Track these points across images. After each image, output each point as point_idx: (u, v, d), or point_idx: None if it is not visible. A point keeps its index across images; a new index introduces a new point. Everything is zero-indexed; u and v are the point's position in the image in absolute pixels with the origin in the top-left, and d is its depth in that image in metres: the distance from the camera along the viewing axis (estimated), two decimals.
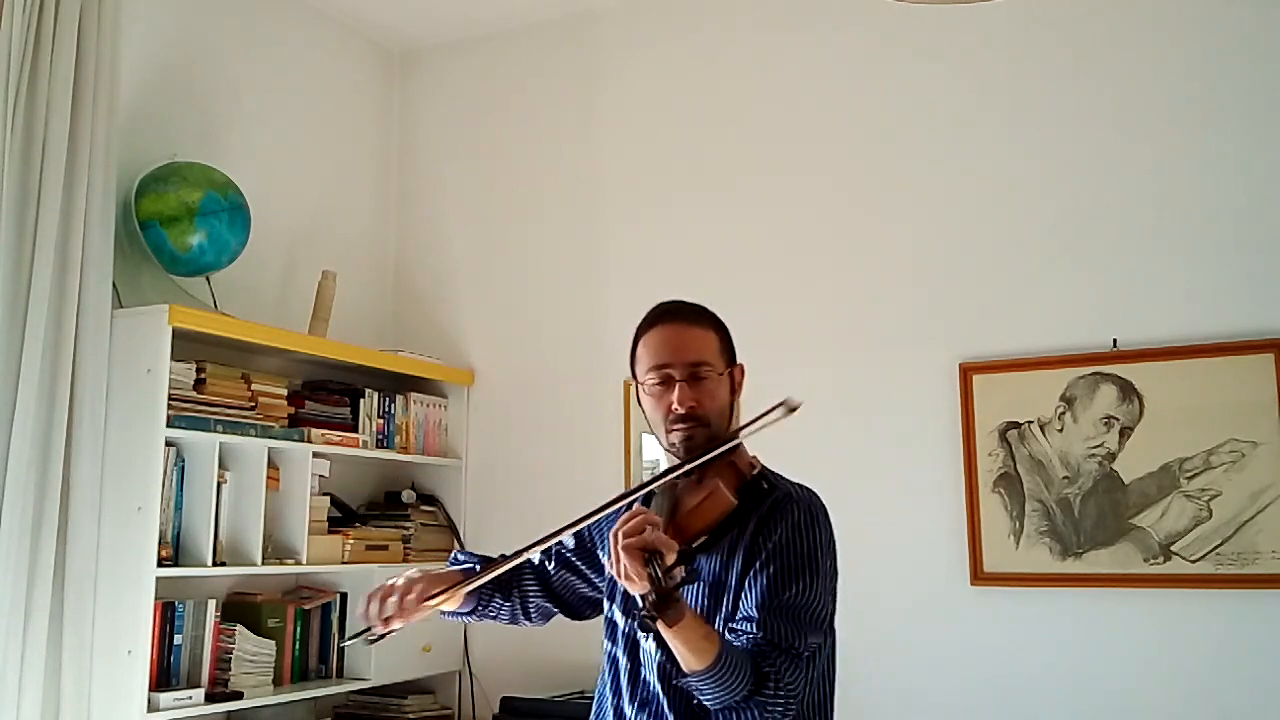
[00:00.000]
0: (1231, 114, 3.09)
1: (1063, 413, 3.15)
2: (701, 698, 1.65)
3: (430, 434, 3.97)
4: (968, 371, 3.27)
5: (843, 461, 3.33)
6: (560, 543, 2.03)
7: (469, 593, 1.94)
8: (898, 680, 3.23)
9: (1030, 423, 3.18)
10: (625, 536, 1.56)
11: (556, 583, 2.06)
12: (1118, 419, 3.09)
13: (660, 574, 1.51)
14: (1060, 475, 3.13)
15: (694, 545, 1.75)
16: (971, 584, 3.19)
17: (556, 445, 3.84)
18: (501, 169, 4.14)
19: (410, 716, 3.60)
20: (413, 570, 1.92)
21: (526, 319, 4.00)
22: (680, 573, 1.55)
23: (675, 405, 1.81)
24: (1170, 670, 2.95)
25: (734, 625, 1.72)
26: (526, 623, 2.08)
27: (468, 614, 2.01)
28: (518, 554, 1.86)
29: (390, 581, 1.87)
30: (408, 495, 3.90)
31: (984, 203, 3.35)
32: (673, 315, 1.90)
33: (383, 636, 1.82)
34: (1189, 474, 2.99)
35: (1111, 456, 3.08)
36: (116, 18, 3.07)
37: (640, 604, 1.52)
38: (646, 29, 3.94)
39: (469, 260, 4.15)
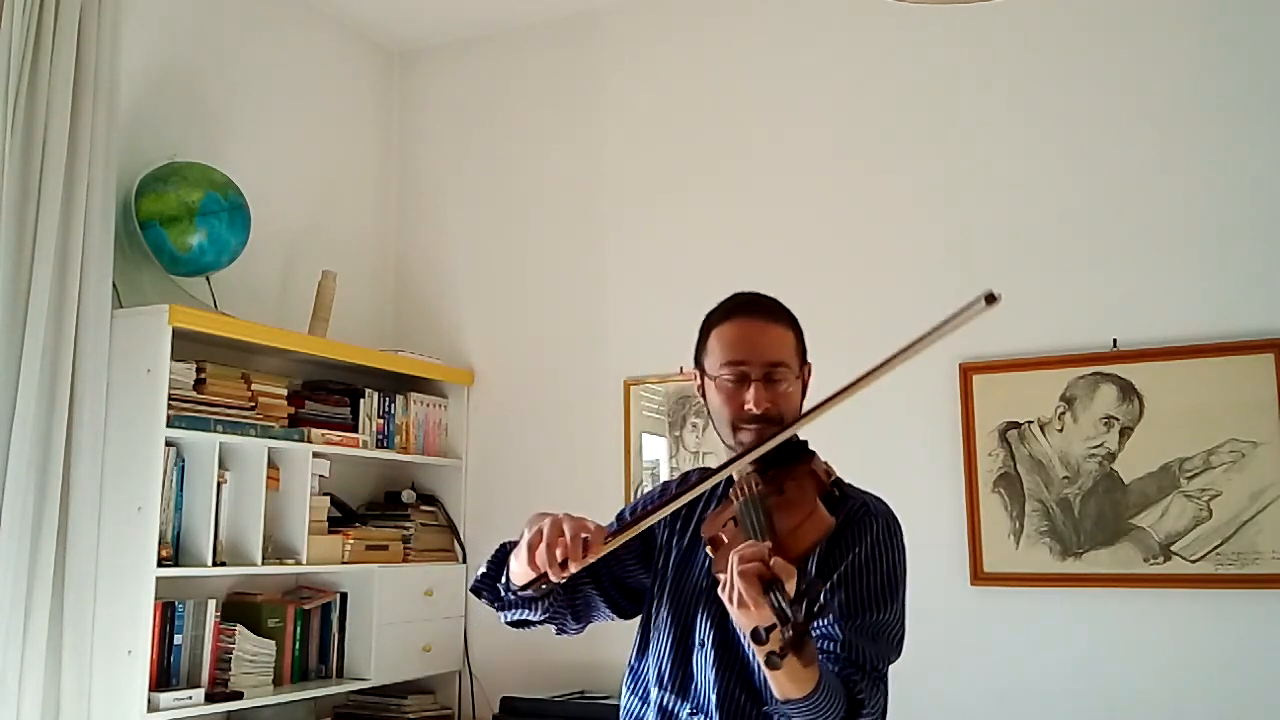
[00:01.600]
0: (1232, 114, 3.09)
1: (1063, 413, 3.15)
2: None
3: (430, 434, 3.97)
4: (968, 371, 3.27)
5: (842, 461, 3.31)
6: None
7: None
8: (897, 680, 3.20)
9: (1030, 423, 3.18)
10: (741, 561, 1.45)
11: (606, 575, 1.88)
12: (1118, 419, 3.09)
13: (784, 604, 1.39)
14: (1060, 475, 3.13)
15: (815, 583, 1.58)
16: (971, 584, 3.19)
17: (556, 445, 3.84)
18: (501, 169, 4.14)
19: (410, 716, 3.60)
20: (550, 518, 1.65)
21: (526, 319, 4.00)
22: (809, 605, 1.41)
23: (750, 405, 1.73)
24: (1170, 670, 2.95)
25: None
26: (574, 626, 1.89)
27: (541, 597, 1.77)
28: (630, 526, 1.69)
29: (550, 521, 1.62)
30: (408, 495, 3.90)
31: (984, 203, 3.35)
32: (752, 309, 1.82)
33: (557, 585, 1.63)
34: (1189, 474, 2.99)
35: (1111, 456, 3.08)
36: (116, 18, 3.07)
37: (764, 637, 1.40)
38: (646, 29, 3.94)
39: (469, 260, 4.15)
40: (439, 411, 4.02)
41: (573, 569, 1.59)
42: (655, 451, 3.71)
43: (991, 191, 3.34)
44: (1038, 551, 3.13)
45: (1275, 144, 3.04)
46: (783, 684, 1.48)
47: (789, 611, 1.38)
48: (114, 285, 3.05)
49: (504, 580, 1.78)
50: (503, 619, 1.85)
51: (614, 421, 3.73)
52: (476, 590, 1.80)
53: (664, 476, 3.64)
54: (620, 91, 3.96)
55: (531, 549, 1.61)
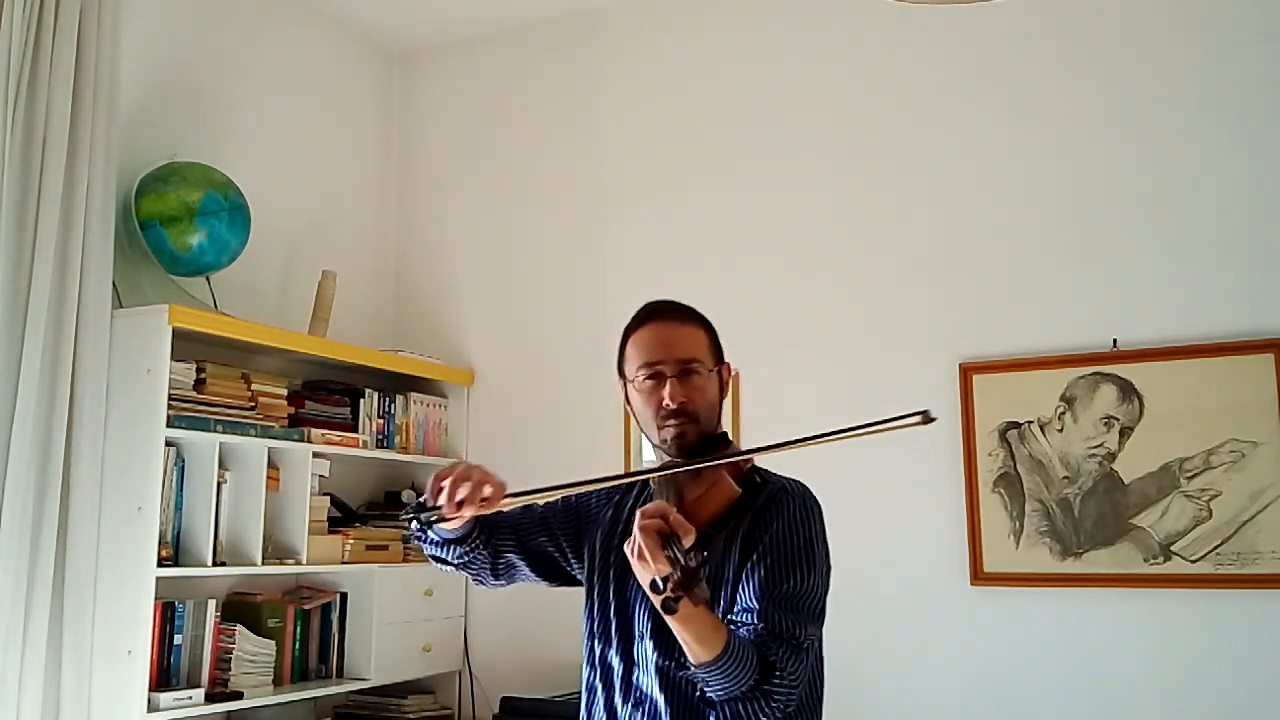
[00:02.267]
0: (1232, 114, 3.09)
1: (1063, 413, 3.15)
2: (707, 689, 1.65)
3: (430, 434, 3.97)
4: (968, 371, 3.27)
5: (842, 461, 3.32)
6: (547, 507, 2.02)
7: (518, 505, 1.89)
8: (898, 680, 3.23)
9: (1030, 423, 3.18)
10: (644, 517, 1.58)
11: (532, 542, 2.00)
12: (1118, 419, 3.09)
13: (680, 555, 1.53)
14: (1060, 475, 3.13)
15: (710, 534, 1.77)
16: (971, 584, 3.19)
17: (556, 445, 3.84)
18: (501, 169, 4.14)
19: (410, 716, 3.60)
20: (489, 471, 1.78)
21: (526, 319, 4.01)
22: (703, 554, 1.56)
23: (667, 401, 1.84)
24: (1170, 670, 2.95)
25: (733, 617, 1.73)
26: (493, 581, 1.99)
27: (457, 541, 1.88)
28: (535, 492, 1.84)
29: (465, 465, 1.74)
30: (408, 495, 3.90)
31: (984, 203, 3.35)
32: (662, 313, 1.93)
33: (444, 520, 1.72)
34: (1189, 474, 2.99)
35: (1111, 456, 3.08)
36: (116, 18, 3.07)
37: (661, 586, 1.53)
38: (646, 29, 3.94)
39: (469, 260, 4.15)
40: (439, 411, 4.02)
41: (465, 513, 1.71)
42: (654, 451, 3.70)
43: (992, 191, 3.34)
44: (1038, 551, 3.13)
45: (1275, 144, 3.04)
46: (693, 647, 1.60)
47: (682, 559, 1.52)
48: (114, 285, 3.05)
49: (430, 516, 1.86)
50: (424, 550, 1.95)
51: (614, 421, 3.73)
52: (410, 516, 1.88)
53: None
54: (620, 91, 3.96)
55: (438, 478, 1.73)
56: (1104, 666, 3.03)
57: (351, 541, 3.55)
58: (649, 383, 1.87)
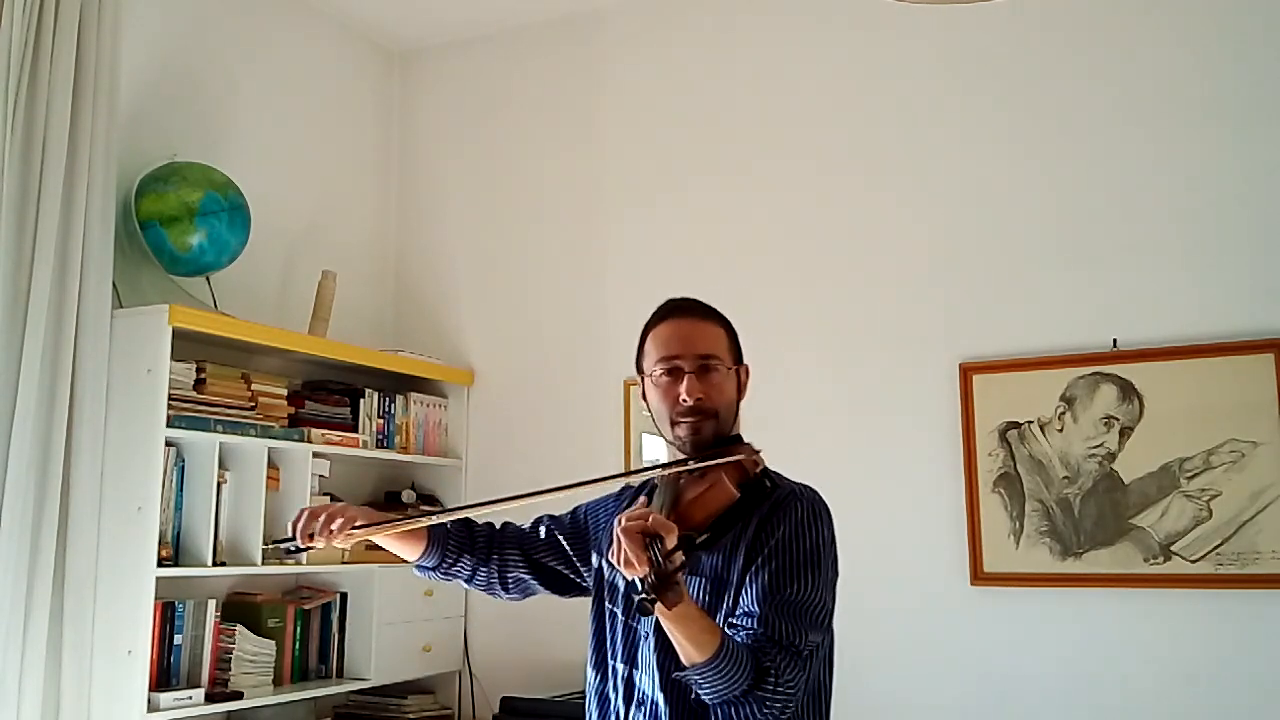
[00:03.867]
0: (1232, 114, 3.09)
1: (1063, 413, 3.15)
2: (700, 691, 1.65)
3: (430, 434, 3.97)
4: (968, 371, 3.27)
5: (843, 461, 3.33)
6: (551, 521, 2.05)
7: (432, 544, 1.95)
8: (898, 680, 3.23)
9: (1030, 423, 3.18)
10: (626, 520, 1.57)
11: (539, 558, 2.05)
12: (1118, 419, 3.09)
13: (660, 557, 1.51)
14: (1060, 475, 3.13)
15: (697, 535, 1.76)
16: (971, 584, 3.19)
17: (556, 445, 3.84)
18: (501, 169, 4.14)
19: (410, 716, 3.60)
20: (357, 506, 1.98)
21: (526, 319, 4.01)
22: (680, 556, 1.55)
23: (684, 396, 1.82)
24: (1170, 670, 2.95)
25: (734, 620, 1.72)
26: (503, 594, 2.05)
27: (433, 568, 1.99)
28: (482, 504, 1.92)
29: (328, 504, 1.93)
30: (408, 495, 3.90)
31: (985, 203, 3.35)
32: (683, 310, 1.91)
33: (300, 551, 1.86)
34: (1189, 474, 2.99)
35: (1111, 456, 3.08)
36: (116, 18, 3.07)
37: (639, 587, 1.52)
38: (646, 29, 3.94)
39: (469, 260, 4.15)
40: (439, 411, 4.02)
41: (318, 543, 1.85)
42: (655, 451, 3.71)
43: (992, 192, 3.34)
44: (1038, 551, 3.13)
45: (1275, 144, 3.04)
46: (685, 648, 1.60)
47: (661, 560, 1.51)
48: (114, 285, 3.05)
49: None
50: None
51: (614, 421, 3.73)
52: (274, 544, 2.03)
53: None
54: (620, 91, 3.96)
55: (294, 522, 1.89)
56: (1104, 666, 3.03)
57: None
58: (666, 378, 1.85)
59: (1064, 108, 3.28)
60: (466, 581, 2.03)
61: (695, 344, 1.85)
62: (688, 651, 1.60)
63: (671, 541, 1.55)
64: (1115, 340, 3.13)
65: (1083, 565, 3.07)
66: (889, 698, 3.21)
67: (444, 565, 1.99)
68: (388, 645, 3.57)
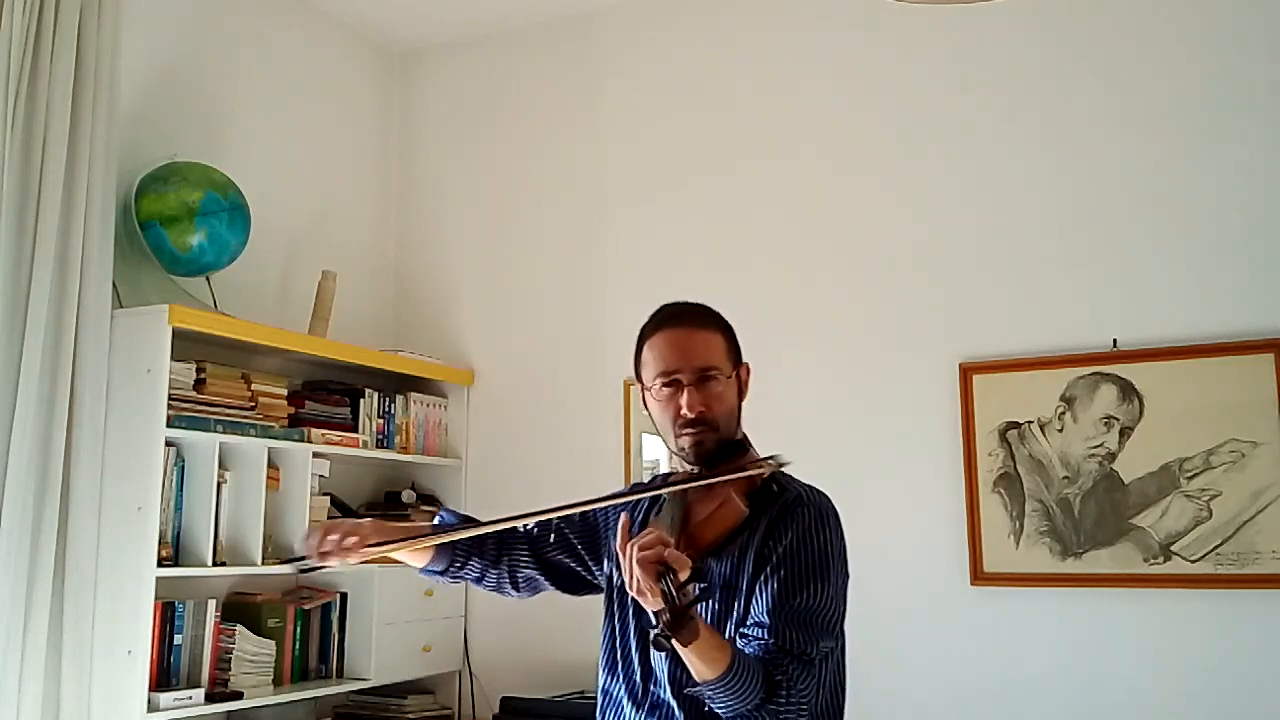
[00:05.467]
0: (1233, 114, 3.09)
1: (1063, 413, 3.15)
2: (714, 705, 1.64)
3: (430, 434, 3.97)
4: (968, 371, 3.27)
5: (843, 461, 3.33)
6: (561, 519, 2.02)
7: (439, 548, 1.93)
8: (898, 680, 3.23)
9: (1030, 423, 3.18)
10: (640, 550, 1.55)
11: (550, 556, 2.03)
12: (1118, 419, 3.09)
13: (674, 590, 1.49)
14: (1060, 475, 3.13)
15: (706, 557, 1.75)
16: (971, 584, 3.19)
17: (556, 445, 3.84)
18: (501, 169, 4.14)
19: (410, 716, 3.60)
20: (368, 519, 1.98)
21: (526, 319, 4.01)
22: (694, 589, 1.54)
23: (685, 410, 1.80)
24: (1170, 670, 2.95)
25: (745, 631, 1.71)
26: (513, 592, 2.03)
27: (440, 573, 1.98)
28: (494, 522, 1.88)
29: (341, 520, 1.92)
30: (408, 495, 3.90)
31: (985, 203, 3.35)
32: (678, 318, 1.88)
33: (316, 569, 1.87)
34: (1189, 474, 2.99)
35: (1111, 456, 3.08)
36: (116, 18, 3.07)
37: (655, 621, 1.51)
38: (646, 29, 3.94)
39: (469, 260, 4.15)
40: (439, 411, 4.02)
41: (332, 561, 1.85)
42: (655, 451, 3.71)
43: (992, 192, 3.34)
44: (1038, 551, 3.13)
45: (1275, 144, 3.04)
46: (697, 666, 1.58)
47: (675, 596, 1.49)
48: (114, 285, 3.05)
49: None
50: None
51: (614, 421, 3.73)
52: (287, 560, 1.99)
53: None
54: (620, 91, 3.96)
55: (309, 532, 1.90)
56: (1104, 666, 3.03)
57: None
58: (666, 390, 1.83)
59: (1064, 108, 3.28)
60: (475, 582, 2.02)
61: (693, 356, 1.83)
62: (699, 669, 1.59)
63: (684, 575, 1.53)
64: (1115, 340, 3.13)
65: (1083, 565, 3.07)
66: (889, 698, 3.21)
67: (452, 569, 1.98)
68: (388, 645, 3.57)
